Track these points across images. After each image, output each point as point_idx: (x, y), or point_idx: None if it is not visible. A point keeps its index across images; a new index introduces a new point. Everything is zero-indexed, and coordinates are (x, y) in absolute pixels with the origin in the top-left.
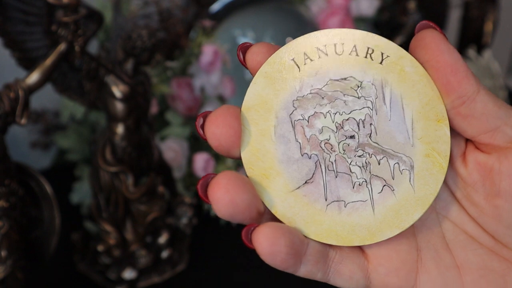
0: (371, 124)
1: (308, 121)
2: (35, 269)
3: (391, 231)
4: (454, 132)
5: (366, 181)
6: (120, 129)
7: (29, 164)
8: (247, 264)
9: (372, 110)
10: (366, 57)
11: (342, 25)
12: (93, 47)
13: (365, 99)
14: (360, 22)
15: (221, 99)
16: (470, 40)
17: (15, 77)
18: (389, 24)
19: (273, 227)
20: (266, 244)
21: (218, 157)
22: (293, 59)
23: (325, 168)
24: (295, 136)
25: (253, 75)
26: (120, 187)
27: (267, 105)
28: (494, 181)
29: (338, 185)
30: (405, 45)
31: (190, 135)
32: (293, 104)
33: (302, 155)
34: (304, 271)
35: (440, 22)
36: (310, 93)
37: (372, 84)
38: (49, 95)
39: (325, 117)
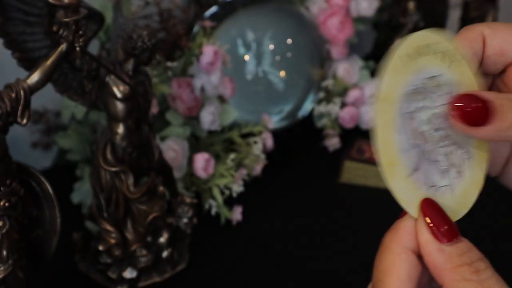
0: None
1: (415, 114)
2: (36, 268)
3: (462, 211)
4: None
5: (448, 168)
6: (120, 129)
7: (30, 164)
8: (246, 264)
9: None
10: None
11: (342, 26)
12: (94, 47)
13: (446, 95)
14: (359, 23)
15: (221, 99)
16: None
17: (16, 77)
18: (389, 24)
19: None
20: None
21: (218, 157)
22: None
23: (425, 156)
24: (406, 128)
25: None
26: (121, 187)
27: (391, 97)
28: None
29: (433, 172)
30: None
31: (190, 135)
32: (406, 97)
33: (411, 145)
34: None
35: (440, 22)
36: (416, 87)
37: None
38: (50, 95)
39: (424, 111)
